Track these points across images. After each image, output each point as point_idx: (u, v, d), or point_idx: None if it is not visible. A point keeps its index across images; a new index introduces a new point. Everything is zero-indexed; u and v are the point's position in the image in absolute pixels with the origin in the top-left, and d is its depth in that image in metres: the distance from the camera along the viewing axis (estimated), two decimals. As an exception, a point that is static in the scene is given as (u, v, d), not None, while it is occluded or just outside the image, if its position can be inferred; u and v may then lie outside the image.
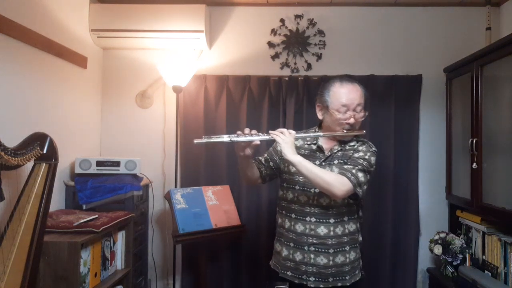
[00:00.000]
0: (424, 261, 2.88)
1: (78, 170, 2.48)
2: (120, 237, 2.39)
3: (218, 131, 2.88)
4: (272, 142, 1.81)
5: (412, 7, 2.93)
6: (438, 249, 2.58)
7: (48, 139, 1.74)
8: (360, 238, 1.85)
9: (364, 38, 2.94)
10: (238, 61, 2.97)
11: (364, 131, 1.79)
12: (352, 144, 1.79)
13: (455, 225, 2.75)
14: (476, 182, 2.32)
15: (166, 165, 2.96)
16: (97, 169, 2.50)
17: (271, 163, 1.92)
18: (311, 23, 2.93)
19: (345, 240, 1.76)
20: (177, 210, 2.43)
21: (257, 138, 1.67)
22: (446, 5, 2.90)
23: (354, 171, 1.65)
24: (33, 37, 2.11)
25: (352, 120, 1.72)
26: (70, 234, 1.94)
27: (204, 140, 1.67)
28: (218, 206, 2.60)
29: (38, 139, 1.71)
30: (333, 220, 1.74)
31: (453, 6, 2.90)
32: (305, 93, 2.84)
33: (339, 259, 1.74)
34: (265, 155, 1.95)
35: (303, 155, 1.76)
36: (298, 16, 2.93)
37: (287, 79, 2.87)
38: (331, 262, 1.73)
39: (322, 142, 1.83)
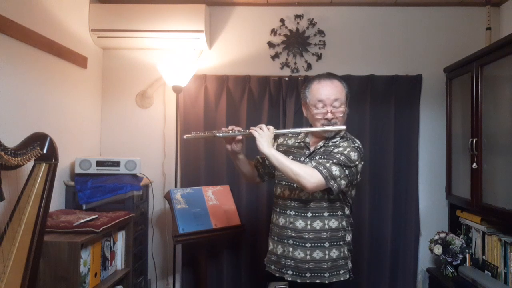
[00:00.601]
0: (424, 261, 2.88)
1: (78, 170, 2.48)
2: (120, 237, 2.39)
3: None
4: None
5: (412, 7, 2.93)
6: (438, 249, 2.58)
7: (48, 139, 1.73)
8: (348, 238, 1.84)
9: (364, 38, 2.94)
10: (238, 61, 2.97)
11: (345, 126, 1.78)
12: (334, 140, 1.81)
13: (455, 225, 2.75)
14: (476, 182, 2.32)
15: (166, 165, 2.96)
16: (97, 169, 2.50)
17: (267, 162, 1.98)
18: (311, 23, 2.93)
19: (324, 236, 1.76)
20: (177, 210, 2.43)
21: (238, 134, 1.79)
22: (446, 5, 2.90)
23: (328, 164, 1.67)
24: (33, 37, 2.11)
25: (329, 115, 1.75)
26: (70, 234, 1.94)
27: (193, 135, 1.84)
28: (218, 206, 2.60)
29: (38, 139, 1.70)
30: (311, 214, 1.77)
31: (453, 6, 2.90)
32: (305, 93, 2.84)
33: (317, 254, 1.75)
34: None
35: (292, 152, 1.86)
36: (298, 16, 2.93)
37: (287, 79, 2.87)
38: (308, 257, 1.75)
39: (310, 139, 1.88)
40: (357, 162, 1.73)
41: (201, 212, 2.51)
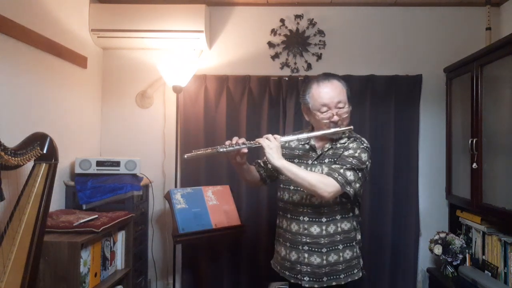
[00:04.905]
0: (424, 261, 2.88)
1: (78, 170, 2.48)
2: (120, 237, 2.39)
3: (218, 131, 2.89)
4: None
5: (412, 7, 2.93)
6: (438, 249, 2.58)
7: (48, 139, 1.73)
8: (359, 237, 1.84)
9: (364, 38, 2.94)
10: (238, 61, 2.97)
11: (352, 127, 1.75)
12: (342, 141, 1.77)
13: (455, 225, 2.75)
14: (476, 182, 2.32)
15: (166, 165, 2.96)
16: (97, 169, 2.50)
17: (269, 165, 1.92)
18: (311, 23, 2.93)
19: (338, 239, 1.75)
20: (177, 210, 2.43)
21: (243, 146, 1.69)
22: (446, 5, 2.90)
23: (341, 170, 1.64)
24: (33, 37, 2.11)
25: (335, 118, 1.71)
26: (70, 234, 1.95)
27: (194, 153, 1.70)
28: (218, 206, 2.60)
29: (38, 139, 1.70)
30: (325, 219, 1.74)
31: (453, 6, 2.90)
32: (305, 93, 2.84)
33: (332, 258, 1.74)
34: (264, 158, 1.91)
35: (298, 155, 1.81)
36: (298, 16, 2.93)
37: (287, 79, 2.87)
38: (324, 262, 1.73)
39: (315, 141, 1.83)
40: (367, 163, 1.72)
41: (201, 212, 2.51)
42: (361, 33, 2.95)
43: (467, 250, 2.55)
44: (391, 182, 2.82)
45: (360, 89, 2.83)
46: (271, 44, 2.96)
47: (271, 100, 2.88)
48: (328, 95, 1.71)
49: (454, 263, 2.55)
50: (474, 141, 2.32)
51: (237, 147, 1.69)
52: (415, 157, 2.85)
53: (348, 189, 1.63)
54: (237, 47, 2.98)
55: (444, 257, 2.57)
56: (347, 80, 2.79)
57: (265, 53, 2.97)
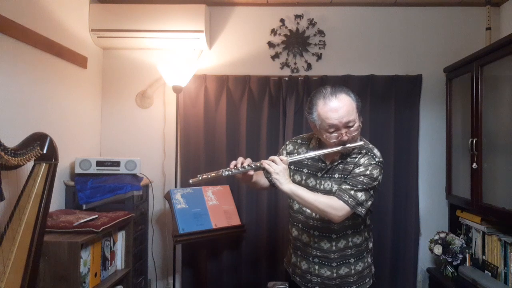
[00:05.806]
0: (424, 261, 2.88)
1: (78, 170, 2.48)
2: (120, 237, 2.39)
3: (218, 131, 2.89)
4: (276, 151, 1.81)
5: (412, 7, 2.93)
6: (438, 249, 2.58)
7: (48, 139, 1.74)
8: (371, 245, 1.81)
9: (364, 38, 2.95)
10: (238, 61, 2.97)
11: (362, 143, 1.64)
12: (353, 156, 1.66)
13: (455, 225, 2.74)
14: (476, 182, 2.32)
15: (166, 165, 2.97)
16: (97, 169, 2.50)
17: None
18: (311, 23, 2.93)
19: (349, 253, 1.71)
20: (177, 210, 2.43)
21: (249, 169, 1.62)
22: (446, 5, 2.90)
23: (352, 192, 1.57)
24: (33, 37, 2.11)
25: (344, 138, 1.58)
26: (70, 234, 1.95)
27: (199, 178, 1.64)
28: (218, 206, 2.60)
29: (38, 139, 1.71)
30: (335, 235, 1.69)
31: (453, 6, 2.90)
32: (305, 93, 2.84)
33: (343, 270, 1.71)
34: None
35: (306, 165, 1.74)
36: (298, 16, 2.93)
37: (287, 79, 2.87)
38: (334, 274, 1.71)
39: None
40: (379, 177, 1.63)
41: (201, 212, 2.51)
42: (361, 33, 2.95)
43: (467, 250, 2.55)
44: (391, 182, 2.82)
45: (360, 89, 2.83)
46: (271, 44, 2.96)
47: (271, 100, 2.88)
48: (336, 115, 1.55)
49: (454, 263, 2.55)
50: (474, 141, 2.32)
51: (242, 170, 1.62)
52: (415, 157, 2.85)
53: (359, 210, 1.58)
54: (237, 47, 2.98)
55: (444, 257, 2.57)
56: (347, 80, 2.84)
57: (265, 53, 2.97)
